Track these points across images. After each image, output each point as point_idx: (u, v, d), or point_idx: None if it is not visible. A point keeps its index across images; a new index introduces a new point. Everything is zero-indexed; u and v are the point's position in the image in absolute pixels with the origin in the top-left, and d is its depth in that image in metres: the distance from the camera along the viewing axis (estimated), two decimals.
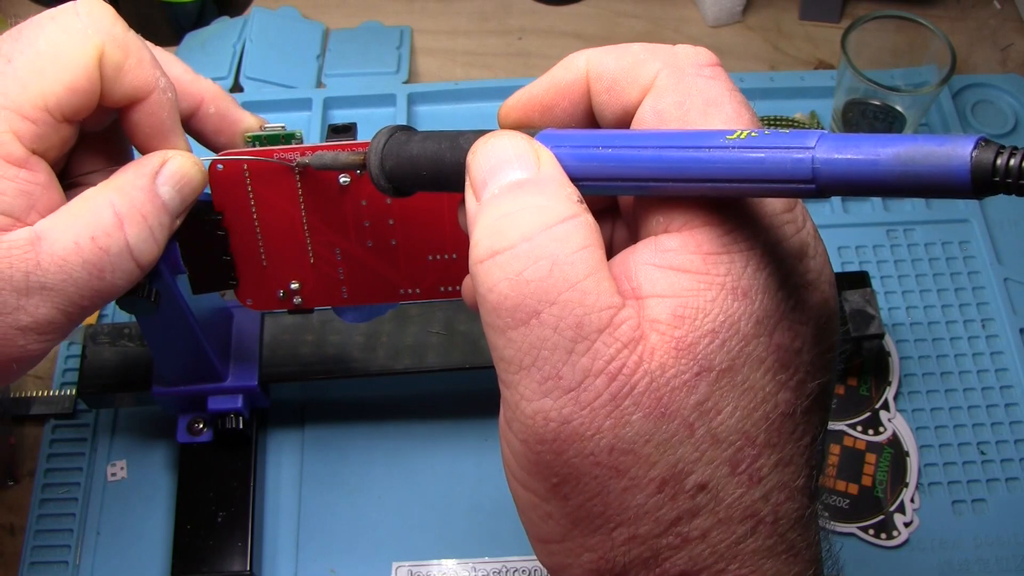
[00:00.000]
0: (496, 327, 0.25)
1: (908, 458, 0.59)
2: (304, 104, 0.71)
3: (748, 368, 0.25)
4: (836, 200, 0.68)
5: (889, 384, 0.61)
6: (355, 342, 0.55)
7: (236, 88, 0.72)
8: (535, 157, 0.27)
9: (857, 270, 0.62)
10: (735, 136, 0.24)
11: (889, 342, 0.62)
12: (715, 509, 0.25)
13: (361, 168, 0.32)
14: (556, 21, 0.80)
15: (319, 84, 0.74)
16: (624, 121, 0.28)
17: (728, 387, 0.25)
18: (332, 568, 0.55)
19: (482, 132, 0.29)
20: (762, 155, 0.23)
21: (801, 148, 0.22)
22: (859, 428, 0.60)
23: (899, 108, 0.67)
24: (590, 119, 0.29)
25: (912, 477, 0.58)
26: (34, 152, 0.34)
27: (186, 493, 0.54)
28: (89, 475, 0.58)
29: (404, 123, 0.66)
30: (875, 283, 0.64)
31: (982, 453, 0.59)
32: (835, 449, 0.59)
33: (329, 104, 0.71)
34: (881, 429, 0.60)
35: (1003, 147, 0.20)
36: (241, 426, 0.53)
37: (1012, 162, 0.20)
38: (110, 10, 0.35)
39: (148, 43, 0.38)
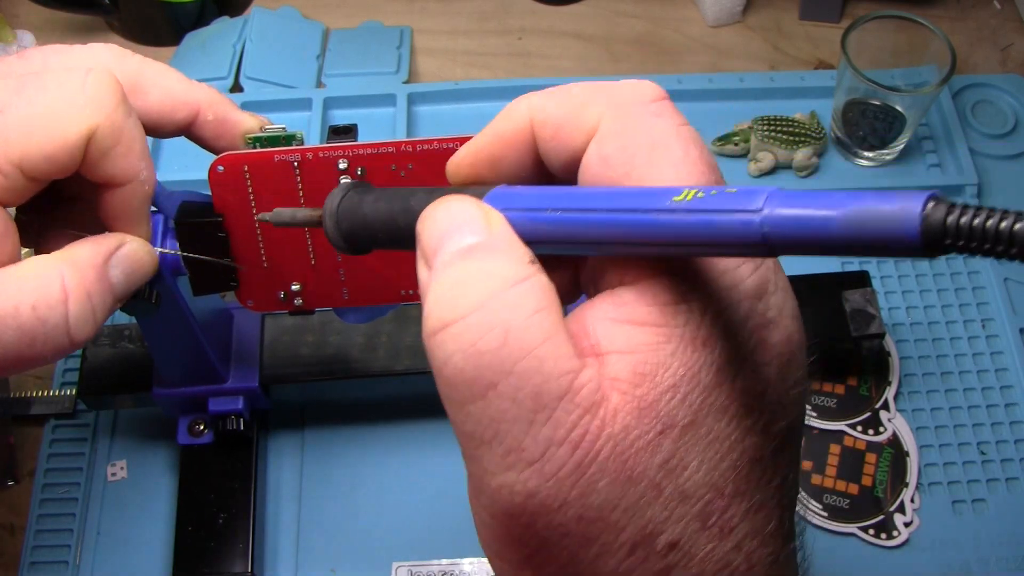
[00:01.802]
0: (453, 401, 0.25)
1: (908, 458, 0.59)
2: (304, 104, 0.71)
3: (712, 419, 0.24)
4: None
5: (889, 384, 0.61)
6: (355, 343, 0.55)
7: (236, 88, 0.72)
8: (485, 220, 0.25)
9: (857, 270, 0.62)
10: (682, 197, 0.23)
11: (889, 342, 0.62)
12: (687, 565, 0.24)
13: (318, 225, 0.32)
14: (556, 21, 0.80)
15: (319, 84, 0.74)
16: (573, 167, 0.27)
17: (693, 441, 0.24)
18: (332, 568, 0.55)
19: (434, 192, 0.28)
20: (710, 218, 0.22)
21: (749, 210, 0.21)
22: (859, 428, 0.60)
23: (899, 108, 0.67)
24: (541, 166, 0.28)
25: (912, 477, 0.58)
26: None
27: (187, 494, 0.54)
28: (89, 475, 0.58)
29: (399, 136, 0.66)
30: (875, 283, 0.64)
31: (982, 453, 0.59)
32: (835, 449, 0.59)
33: (329, 104, 0.71)
34: (881, 429, 0.60)
35: (954, 205, 0.19)
36: (242, 427, 0.53)
37: (963, 220, 0.19)
38: (118, 90, 0.34)
39: (164, 67, 0.37)
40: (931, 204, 0.19)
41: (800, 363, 0.26)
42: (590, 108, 0.27)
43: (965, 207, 0.19)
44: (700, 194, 0.22)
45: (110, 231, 0.37)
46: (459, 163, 0.29)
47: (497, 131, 0.28)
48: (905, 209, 0.19)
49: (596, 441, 0.23)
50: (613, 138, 0.26)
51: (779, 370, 0.26)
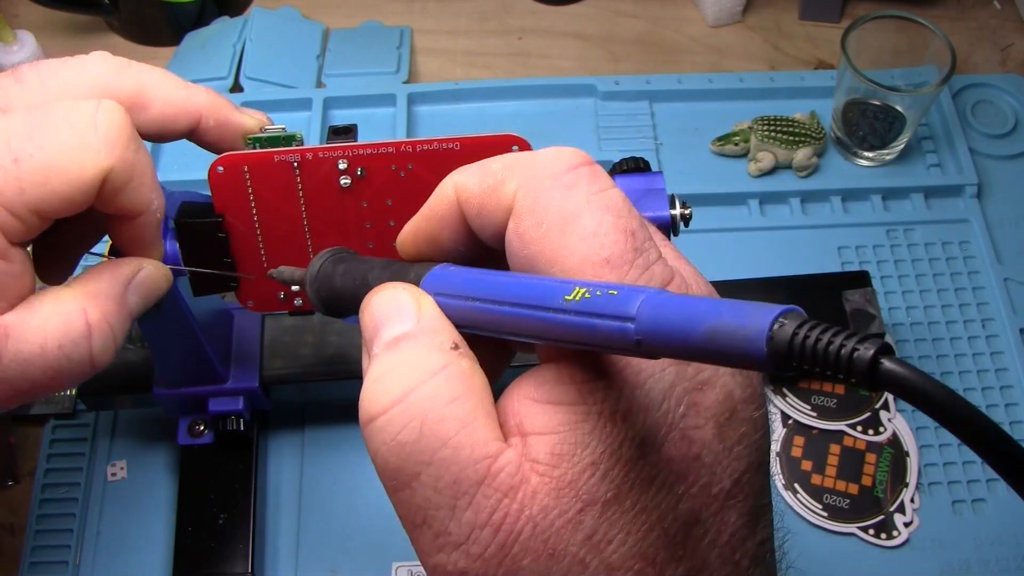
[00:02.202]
0: (387, 489, 0.26)
1: (908, 458, 0.59)
2: (304, 104, 0.71)
3: (637, 491, 0.24)
4: (836, 200, 0.68)
5: None
6: (355, 343, 0.55)
7: (236, 88, 0.72)
8: (415, 306, 0.27)
9: (857, 270, 0.62)
10: (572, 296, 0.23)
11: (889, 342, 0.62)
12: None
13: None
14: (556, 21, 0.80)
15: (319, 84, 0.74)
16: (501, 242, 0.27)
17: (617, 515, 0.24)
18: (332, 568, 0.56)
19: (387, 268, 0.29)
20: (592, 322, 0.23)
21: (624, 317, 0.22)
22: (859, 428, 0.60)
23: (899, 108, 0.67)
24: (479, 239, 0.29)
25: (912, 477, 0.58)
26: (13, 244, 0.33)
27: (187, 495, 0.54)
28: (89, 475, 0.58)
29: (399, 136, 0.66)
30: (875, 283, 0.64)
31: None
32: (835, 449, 0.59)
33: (329, 104, 0.71)
34: (881, 429, 0.60)
35: (804, 323, 0.19)
36: (242, 428, 0.53)
37: (807, 342, 0.19)
38: (128, 126, 0.34)
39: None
40: (777, 325, 0.19)
41: (744, 417, 0.26)
42: (506, 185, 0.27)
43: (814, 327, 0.19)
44: (587, 294, 0.23)
45: (124, 255, 0.37)
46: (403, 242, 0.30)
47: (430, 211, 0.29)
48: (754, 327, 0.20)
49: (516, 522, 0.24)
50: (527, 215, 0.26)
51: (716, 430, 0.25)
